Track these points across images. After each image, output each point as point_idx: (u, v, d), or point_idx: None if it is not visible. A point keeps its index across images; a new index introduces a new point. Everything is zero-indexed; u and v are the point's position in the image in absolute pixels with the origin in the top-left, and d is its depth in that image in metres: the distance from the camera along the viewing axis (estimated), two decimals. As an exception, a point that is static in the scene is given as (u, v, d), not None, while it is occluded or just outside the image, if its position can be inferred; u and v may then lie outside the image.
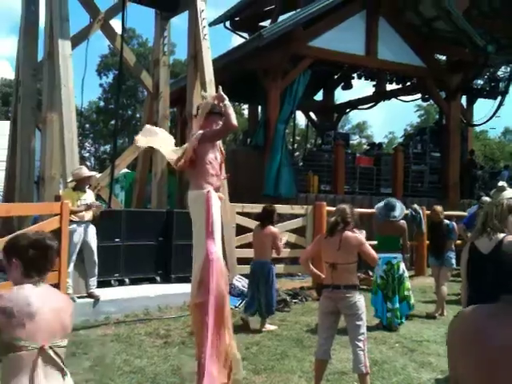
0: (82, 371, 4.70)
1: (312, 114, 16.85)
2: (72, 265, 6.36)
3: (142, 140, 4.22)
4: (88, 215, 6.58)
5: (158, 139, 4.26)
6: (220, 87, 4.12)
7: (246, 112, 32.48)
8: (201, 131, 4.00)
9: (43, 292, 2.08)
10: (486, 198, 7.91)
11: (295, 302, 7.68)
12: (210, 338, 3.66)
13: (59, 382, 2.01)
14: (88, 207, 6.41)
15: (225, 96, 4.01)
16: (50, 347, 1.97)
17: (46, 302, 2.04)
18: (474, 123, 15.50)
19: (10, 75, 38.05)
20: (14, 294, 2.01)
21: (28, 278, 2.08)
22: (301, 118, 26.35)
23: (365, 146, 14.75)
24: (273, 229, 6.45)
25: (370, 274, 8.34)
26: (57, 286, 5.78)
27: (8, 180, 10.55)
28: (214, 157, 4.04)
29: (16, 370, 1.91)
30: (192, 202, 3.99)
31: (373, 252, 4.32)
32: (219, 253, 3.87)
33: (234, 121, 3.94)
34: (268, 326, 6.36)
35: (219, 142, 4.25)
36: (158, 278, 7.92)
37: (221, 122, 4.06)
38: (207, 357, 3.61)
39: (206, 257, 3.76)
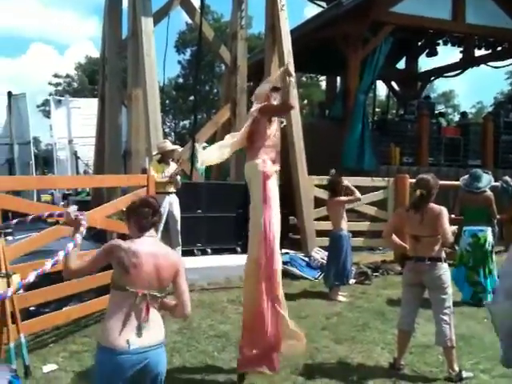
0: (170, 333, 4.94)
1: (394, 84, 16.22)
2: (160, 234, 6.66)
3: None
4: (171, 187, 6.84)
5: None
6: (288, 63, 4.01)
7: (323, 84, 31.95)
8: (259, 105, 3.96)
9: (150, 248, 2.44)
10: None
11: (376, 276, 7.58)
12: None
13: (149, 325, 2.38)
14: (171, 177, 6.66)
15: (292, 72, 3.93)
16: (145, 294, 2.35)
17: (150, 257, 2.40)
18: None
19: (94, 54, 39.80)
20: (127, 246, 2.42)
21: (139, 233, 2.49)
22: (381, 89, 25.48)
23: (450, 117, 13.98)
24: (336, 199, 6.50)
25: (456, 248, 8.02)
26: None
27: (97, 155, 11.17)
28: (271, 131, 3.99)
29: (116, 304, 2.38)
30: (248, 172, 4.04)
31: (449, 230, 3.99)
32: (275, 220, 3.90)
33: (292, 101, 3.86)
34: (339, 297, 6.37)
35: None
36: (239, 249, 8.11)
37: (278, 97, 3.96)
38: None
39: (263, 225, 3.83)
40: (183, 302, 2.52)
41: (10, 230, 4.38)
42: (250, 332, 3.89)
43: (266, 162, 3.90)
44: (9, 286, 4.06)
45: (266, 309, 3.79)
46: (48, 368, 4.08)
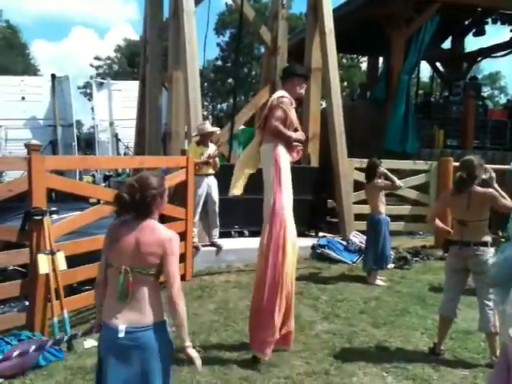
0: (207, 313, 5.02)
1: (438, 64, 15.70)
2: (198, 216, 6.71)
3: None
4: (210, 169, 6.85)
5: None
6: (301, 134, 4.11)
7: (363, 65, 31.24)
8: (281, 93, 4.00)
9: (137, 227, 2.38)
10: None
11: (416, 261, 7.43)
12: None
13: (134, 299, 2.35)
14: (209, 157, 6.67)
15: (302, 140, 4.11)
16: (127, 270, 2.32)
17: (131, 231, 2.36)
18: None
19: (133, 37, 40.24)
20: (113, 224, 2.47)
21: (130, 214, 2.43)
22: (424, 70, 24.70)
23: (496, 99, 13.45)
24: (373, 183, 6.38)
25: (500, 234, 7.76)
26: (183, 234, 6.16)
27: (138, 137, 11.32)
28: (286, 117, 4.00)
29: (109, 280, 2.42)
30: (263, 155, 4.11)
31: (509, 203, 3.88)
32: (285, 203, 3.97)
33: (289, 145, 4.00)
34: (377, 281, 6.28)
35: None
36: (276, 231, 8.08)
37: (304, 85, 4.13)
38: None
39: (273, 207, 3.92)
40: (167, 285, 2.33)
41: (55, 209, 4.49)
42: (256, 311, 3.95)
43: (280, 146, 3.98)
44: (53, 262, 4.19)
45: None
46: (89, 344, 4.19)
